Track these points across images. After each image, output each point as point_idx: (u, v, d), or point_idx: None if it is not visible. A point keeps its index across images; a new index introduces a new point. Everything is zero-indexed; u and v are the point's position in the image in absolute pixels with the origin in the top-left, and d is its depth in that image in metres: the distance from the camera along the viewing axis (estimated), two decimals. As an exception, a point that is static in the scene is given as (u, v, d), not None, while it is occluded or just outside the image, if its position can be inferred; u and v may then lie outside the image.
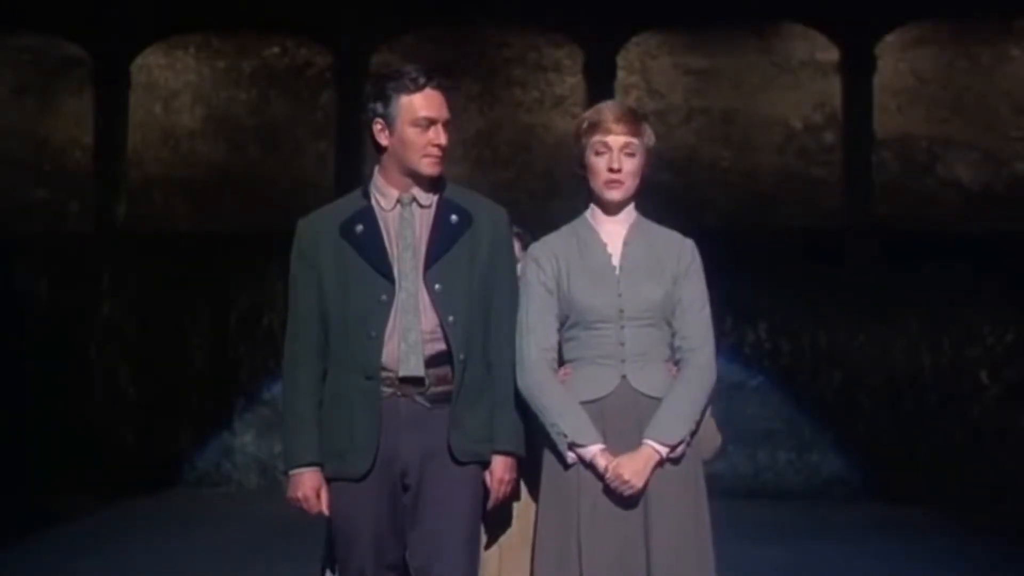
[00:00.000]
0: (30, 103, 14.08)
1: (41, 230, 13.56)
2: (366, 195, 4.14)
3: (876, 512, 11.35)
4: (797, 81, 13.71)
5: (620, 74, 13.51)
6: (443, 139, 4.05)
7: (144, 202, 13.82)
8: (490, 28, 13.80)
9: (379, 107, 4.07)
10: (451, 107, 4.11)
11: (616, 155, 4.06)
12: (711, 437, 4.26)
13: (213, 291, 13.13)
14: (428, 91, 4.04)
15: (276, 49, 14.16)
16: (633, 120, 4.10)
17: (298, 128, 14.02)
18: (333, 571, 4.19)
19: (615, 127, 4.06)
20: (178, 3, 13.51)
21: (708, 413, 4.17)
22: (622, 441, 3.98)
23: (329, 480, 4.06)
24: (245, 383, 13.01)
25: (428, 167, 4.06)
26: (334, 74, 13.75)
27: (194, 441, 13.06)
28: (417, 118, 4.03)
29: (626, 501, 3.96)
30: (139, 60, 13.85)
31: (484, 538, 4.18)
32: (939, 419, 12.58)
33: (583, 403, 4.01)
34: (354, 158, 12.98)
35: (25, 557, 8.99)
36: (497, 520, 4.17)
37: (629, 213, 4.16)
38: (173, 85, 14.13)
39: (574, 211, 4.31)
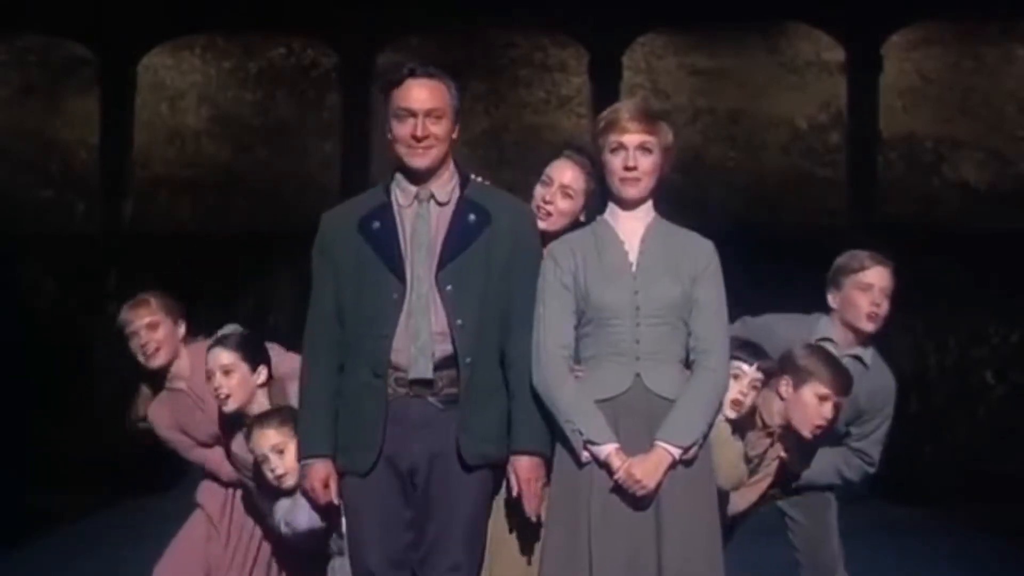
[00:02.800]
0: (36, 103, 14.10)
1: (47, 230, 13.57)
2: (387, 191, 4.11)
3: (881, 512, 11.31)
4: (803, 81, 13.71)
5: (626, 74, 13.52)
6: (419, 130, 3.99)
7: (150, 202, 13.83)
8: (496, 28, 13.80)
9: (385, 106, 4.09)
10: (444, 98, 4.03)
11: (631, 153, 4.04)
12: (734, 465, 4.26)
13: (219, 291, 13.12)
14: (408, 82, 4.01)
15: (282, 50, 14.18)
16: (649, 119, 4.08)
17: (304, 128, 14.03)
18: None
19: (630, 126, 4.05)
20: (184, 4, 13.52)
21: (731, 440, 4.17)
22: (634, 441, 3.96)
23: (341, 474, 4.06)
24: (251, 383, 12.98)
25: (409, 159, 4.02)
26: (339, 75, 13.76)
27: (199, 441, 13.05)
28: (397, 109, 4.01)
29: (638, 502, 3.94)
30: (145, 60, 13.87)
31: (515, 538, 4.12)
32: (945, 419, 12.57)
33: (597, 402, 3.98)
34: (360, 158, 12.99)
35: (26, 557, 8.98)
36: (528, 521, 4.07)
37: (647, 212, 4.13)
38: (179, 85, 14.15)
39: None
